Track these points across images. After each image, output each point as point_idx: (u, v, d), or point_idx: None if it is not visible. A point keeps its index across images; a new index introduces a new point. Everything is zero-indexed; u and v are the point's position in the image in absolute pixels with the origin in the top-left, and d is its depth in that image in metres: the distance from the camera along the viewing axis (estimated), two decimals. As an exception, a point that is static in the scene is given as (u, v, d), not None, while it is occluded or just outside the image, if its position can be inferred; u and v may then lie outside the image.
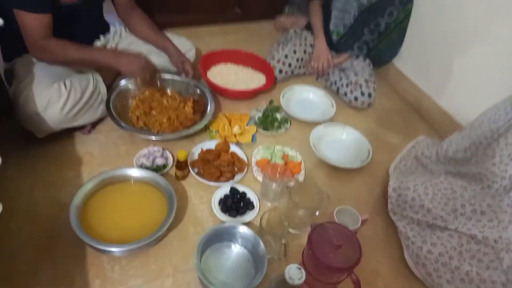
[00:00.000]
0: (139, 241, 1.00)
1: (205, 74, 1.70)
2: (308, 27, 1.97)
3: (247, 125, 1.54)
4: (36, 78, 1.25)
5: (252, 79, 1.79)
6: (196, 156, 1.36)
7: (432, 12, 1.73)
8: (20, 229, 1.10)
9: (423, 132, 1.72)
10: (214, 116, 1.51)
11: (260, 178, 1.33)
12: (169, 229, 1.11)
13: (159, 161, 1.31)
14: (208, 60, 1.77)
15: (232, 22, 2.32)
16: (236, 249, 1.08)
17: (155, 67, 1.44)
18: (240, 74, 1.81)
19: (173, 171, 1.31)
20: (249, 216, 1.20)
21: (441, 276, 1.06)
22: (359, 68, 1.81)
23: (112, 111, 1.38)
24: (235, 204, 1.22)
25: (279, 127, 1.57)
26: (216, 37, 2.17)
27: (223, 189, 1.26)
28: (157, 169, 1.29)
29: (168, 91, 1.59)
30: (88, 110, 1.35)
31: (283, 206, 1.26)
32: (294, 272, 0.81)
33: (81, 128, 1.38)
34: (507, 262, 1.07)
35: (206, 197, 1.26)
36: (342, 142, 1.56)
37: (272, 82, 1.72)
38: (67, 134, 1.35)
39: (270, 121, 1.56)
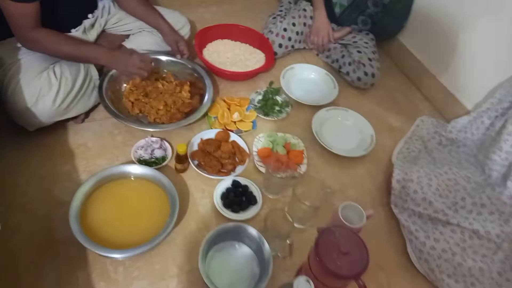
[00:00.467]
0: (142, 245, 0.98)
1: (201, 53, 1.62)
2: None
3: (247, 110, 1.48)
4: (23, 66, 1.17)
5: (250, 57, 1.71)
6: (195, 147, 1.32)
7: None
8: (19, 227, 1.07)
9: (426, 112, 1.69)
10: (212, 99, 1.45)
11: (261, 169, 1.30)
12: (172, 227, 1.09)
13: (158, 153, 1.27)
14: (203, 37, 1.67)
15: (226, -11, 2.17)
16: (240, 249, 1.08)
17: (151, 63, 1.36)
18: (237, 52, 1.72)
19: (172, 163, 1.28)
20: (252, 211, 1.18)
21: (443, 272, 1.08)
22: (362, 44, 1.73)
23: (105, 98, 1.31)
24: (238, 198, 1.20)
25: (280, 111, 1.51)
26: (209, 7, 2.05)
27: (225, 182, 1.24)
28: (156, 161, 1.25)
29: (163, 71, 1.51)
30: (81, 99, 1.27)
31: (286, 199, 1.25)
32: (303, 285, 0.80)
33: (74, 117, 1.31)
34: (506, 252, 1.09)
35: (207, 191, 1.24)
36: (344, 127, 1.52)
37: (272, 62, 1.64)
38: (60, 124, 1.28)
39: (270, 105, 1.51)
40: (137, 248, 0.97)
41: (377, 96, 1.72)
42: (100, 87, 1.32)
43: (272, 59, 1.65)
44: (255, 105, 1.52)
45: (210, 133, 1.36)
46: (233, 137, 1.36)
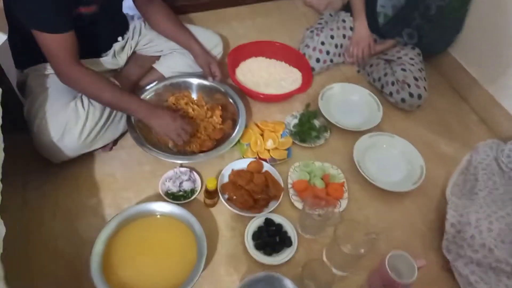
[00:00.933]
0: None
1: (234, 73, 1.53)
2: (346, 8, 1.72)
3: (281, 136, 1.37)
4: (51, 96, 1.13)
5: (286, 76, 1.60)
6: (226, 178, 1.23)
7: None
8: (43, 268, 1.03)
9: (482, 136, 1.50)
10: (245, 125, 1.35)
11: (297, 204, 1.20)
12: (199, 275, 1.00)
13: (187, 186, 1.19)
14: (236, 55, 1.58)
15: (261, 1, 2.07)
16: (273, 302, 0.97)
17: (191, 130, 1.26)
18: (272, 70, 1.62)
19: (201, 196, 1.20)
20: (287, 254, 1.08)
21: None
22: (407, 60, 1.57)
23: (134, 126, 1.25)
24: (271, 239, 1.10)
25: (317, 137, 1.39)
26: (244, 20, 1.95)
27: (257, 220, 1.14)
28: (184, 195, 1.18)
29: (194, 95, 1.44)
30: (108, 128, 1.22)
31: (325, 240, 1.13)
32: None
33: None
34: None
35: (238, 229, 1.15)
36: (390, 156, 1.36)
37: (310, 83, 1.51)
38: (88, 152, 1.23)
39: (307, 129, 1.39)
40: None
41: (425, 119, 1.55)
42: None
43: (309, 79, 1.52)
44: (291, 130, 1.41)
45: (242, 163, 1.26)
46: (266, 166, 1.26)
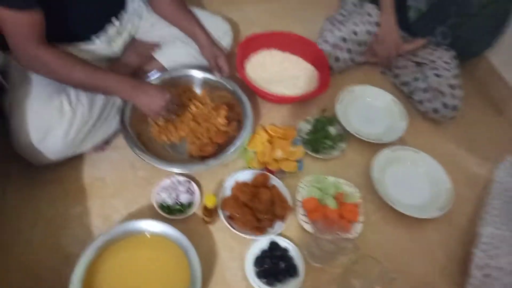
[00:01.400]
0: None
1: (242, 68, 1.37)
2: None
3: (292, 144, 1.23)
4: (33, 90, 0.98)
5: (301, 73, 1.43)
6: (228, 191, 1.10)
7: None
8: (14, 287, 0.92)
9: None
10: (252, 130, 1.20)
11: (305, 226, 1.06)
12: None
13: (184, 199, 1.07)
14: (246, 49, 1.41)
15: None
16: None
17: (177, 106, 1.13)
18: (286, 65, 1.46)
19: (199, 210, 1.07)
20: (292, 286, 0.96)
21: None
22: (441, 64, 1.39)
23: (128, 127, 1.11)
24: (275, 266, 0.98)
25: (332, 147, 1.25)
26: (257, 5, 1.76)
27: (260, 243, 1.02)
28: (181, 209, 1.05)
29: (197, 90, 1.28)
30: (101, 127, 1.09)
31: (335, 270, 1.00)
32: None
33: (91, 145, 1.13)
34: None
35: (238, 250, 1.02)
36: (414, 175, 1.22)
37: (327, 85, 1.33)
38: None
39: (321, 138, 1.24)
40: None
41: (455, 132, 1.39)
42: (122, 111, 1.12)
43: (327, 81, 1.34)
44: (303, 137, 1.26)
45: (247, 175, 1.13)
46: (273, 180, 1.13)
